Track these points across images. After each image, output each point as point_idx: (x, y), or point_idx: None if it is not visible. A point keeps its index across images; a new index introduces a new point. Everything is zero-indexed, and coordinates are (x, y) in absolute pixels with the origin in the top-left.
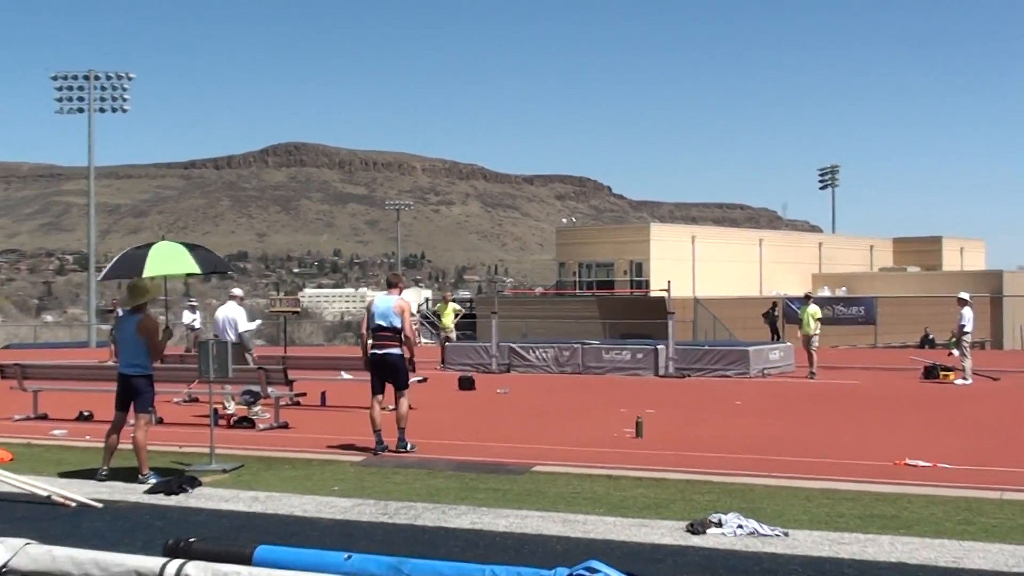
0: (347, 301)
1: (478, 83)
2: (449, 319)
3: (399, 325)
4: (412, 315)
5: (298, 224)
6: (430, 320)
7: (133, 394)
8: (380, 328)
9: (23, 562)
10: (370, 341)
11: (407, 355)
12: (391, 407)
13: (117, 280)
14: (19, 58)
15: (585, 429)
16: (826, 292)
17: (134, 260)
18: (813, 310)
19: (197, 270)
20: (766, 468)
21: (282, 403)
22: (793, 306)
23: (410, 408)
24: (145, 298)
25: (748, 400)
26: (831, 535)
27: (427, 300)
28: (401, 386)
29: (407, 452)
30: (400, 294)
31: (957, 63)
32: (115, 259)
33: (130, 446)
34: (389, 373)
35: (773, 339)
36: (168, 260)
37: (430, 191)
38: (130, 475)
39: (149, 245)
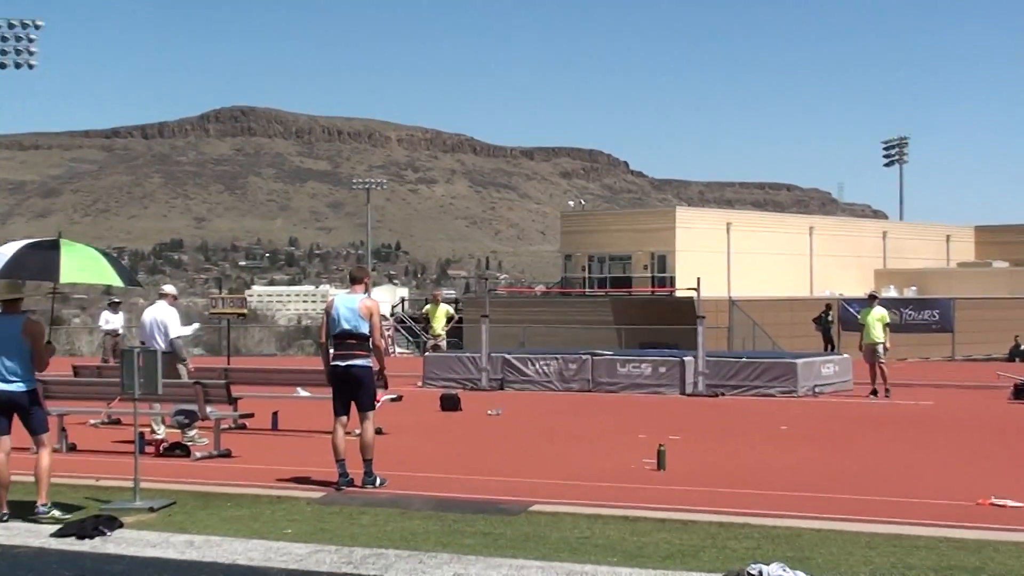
0: (305, 301)
1: (466, 35)
2: (440, 323)
3: (366, 330)
4: (384, 318)
5: (245, 207)
6: (408, 325)
7: (22, 415)
8: (343, 334)
9: None
10: (331, 351)
11: (376, 367)
12: (357, 432)
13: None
14: None
15: (595, 459)
16: (892, 292)
17: (45, 260)
18: (880, 314)
19: (119, 282)
20: (817, 508)
21: (224, 426)
22: (851, 309)
23: (379, 433)
24: (22, 293)
25: (795, 425)
26: None
27: (403, 301)
28: (366, 406)
29: (375, 487)
30: (367, 292)
31: None
32: (9, 256)
33: (30, 477)
34: (354, 389)
35: (827, 350)
36: (86, 264)
37: (407, 167)
38: (32, 512)
39: (55, 244)
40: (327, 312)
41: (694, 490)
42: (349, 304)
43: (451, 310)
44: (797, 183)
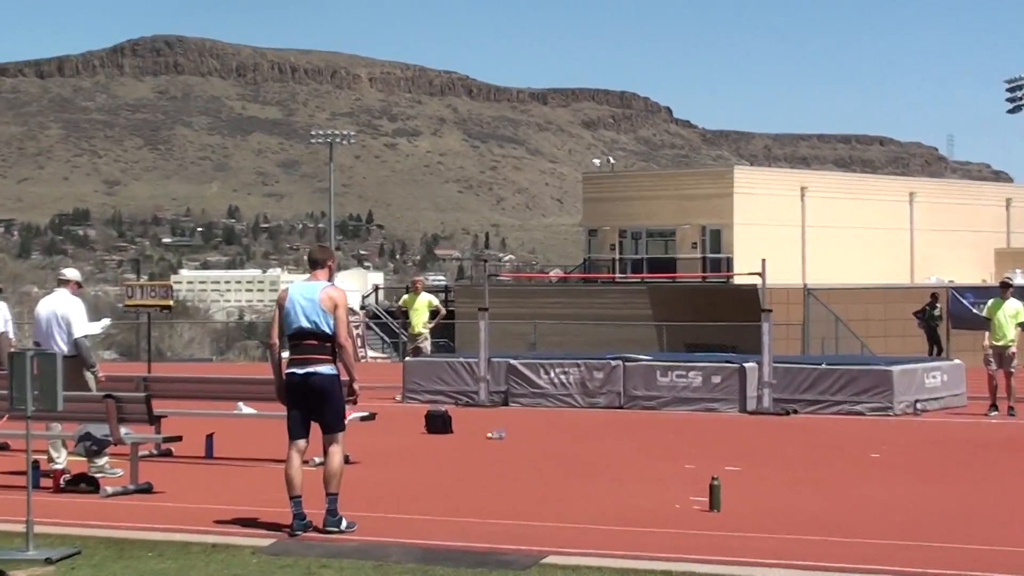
0: (250, 290)
1: None
2: (421, 318)
3: (329, 328)
4: (352, 312)
5: (171, 167)
6: (383, 322)
7: None
8: (300, 333)
9: None
10: (285, 354)
11: (344, 376)
12: (318, 460)
13: None
14: None
15: (628, 497)
16: (1019, 278)
17: None
18: (1016, 308)
19: None
20: (920, 560)
21: (143, 452)
22: (965, 300)
23: (347, 462)
24: None
25: (891, 452)
26: None
27: (376, 290)
28: (332, 426)
29: (341, 531)
30: (331, 279)
31: None
32: None
33: None
34: (315, 405)
35: (932, 353)
36: None
37: (382, 115)
38: None
39: None
40: (279, 304)
41: (757, 537)
42: (308, 294)
43: (435, 301)
44: (893, 135)
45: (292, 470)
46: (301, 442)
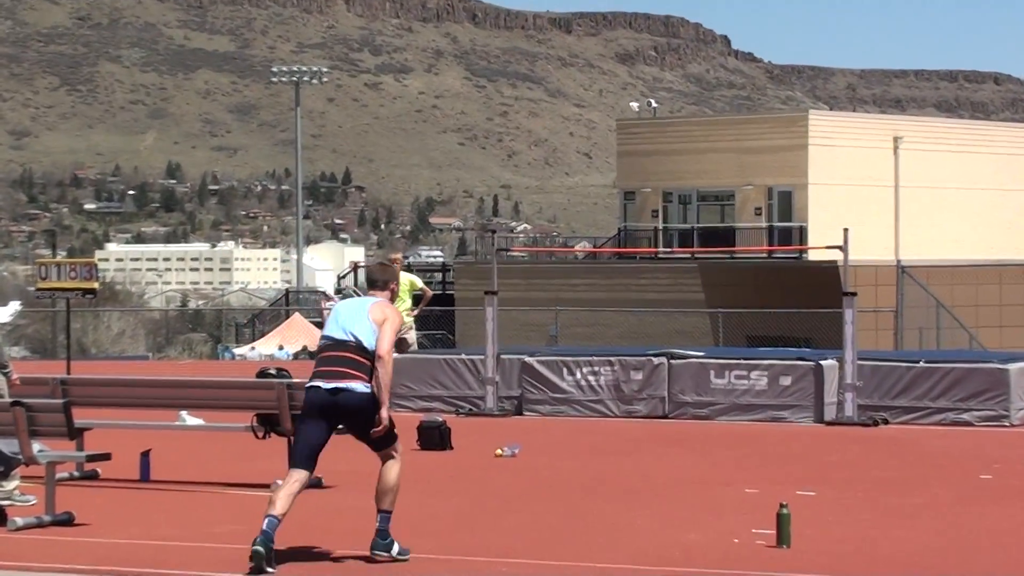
0: (195, 269)
1: None
2: (404, 304)
3: (371, 343)
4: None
5: (95, 113)
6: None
7: None
8: (335, 344)
9: None
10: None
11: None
12: (279, 482)
13: None
14: None
15: (674, 529)
16: None
17: None
18: None
19: None
20: None
21: (63, 474)
22: None
23: (321, 486)
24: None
25: (1007, 471)
26: None
27: (355, 268)
28: (383, 444)
29: (391, 558)
30: (391, 297)
31: None
32: None
33: None
34: (352, 425)
35: None
36: None
37: (362, 46)
38: None
39: None
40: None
41: None
42: (356, 305)
43: (419, 282)
44: (1011, 72)
45: (281, 495)
46: (303, 473)
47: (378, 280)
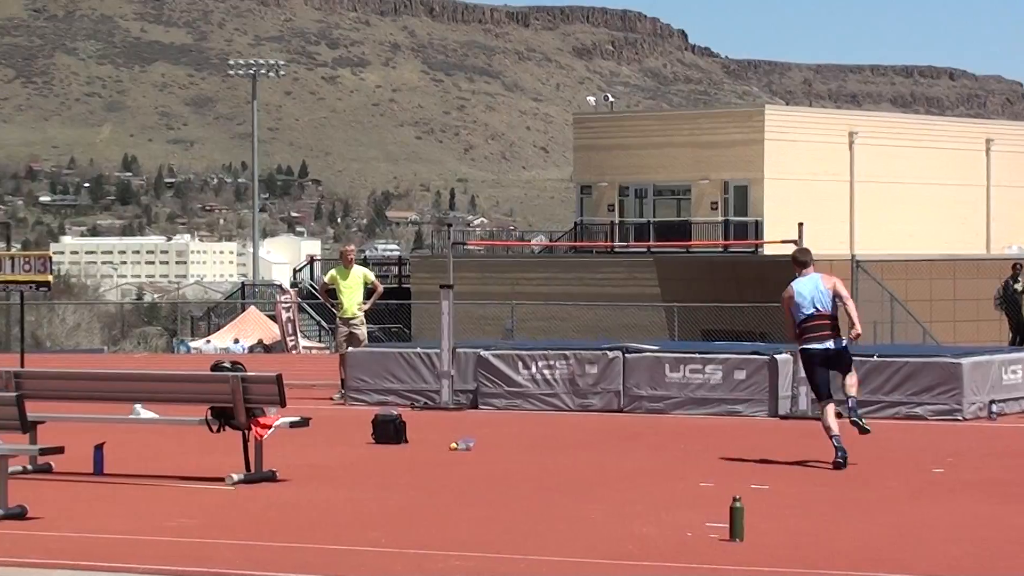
0: (151, 262)
1: None
2: (355, 298)
3: (831, 308)
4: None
5: (51, 105)
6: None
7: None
8: (815, 316)
9: None
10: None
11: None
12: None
13: None
14: None
15: (628, 523)
16: None
17: None
18: None
19: None
20: None
21: (15, 468)
22: None
23: (273, 479)
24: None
25: (958, 466)
26: None
27: (311, 262)
28: (849, 367)
29: (861, 425)
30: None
31: None
32: None
33: None
34: (835, 364)
35: (1016, 342)
36: None
37: (319, 39)
38: None
39: None
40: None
41: (791, 573)
42: (812, 284)
43: (371, 276)
44: (965, 67)
45: (831, 421)
46: (831, 403)
47: (805, 261)
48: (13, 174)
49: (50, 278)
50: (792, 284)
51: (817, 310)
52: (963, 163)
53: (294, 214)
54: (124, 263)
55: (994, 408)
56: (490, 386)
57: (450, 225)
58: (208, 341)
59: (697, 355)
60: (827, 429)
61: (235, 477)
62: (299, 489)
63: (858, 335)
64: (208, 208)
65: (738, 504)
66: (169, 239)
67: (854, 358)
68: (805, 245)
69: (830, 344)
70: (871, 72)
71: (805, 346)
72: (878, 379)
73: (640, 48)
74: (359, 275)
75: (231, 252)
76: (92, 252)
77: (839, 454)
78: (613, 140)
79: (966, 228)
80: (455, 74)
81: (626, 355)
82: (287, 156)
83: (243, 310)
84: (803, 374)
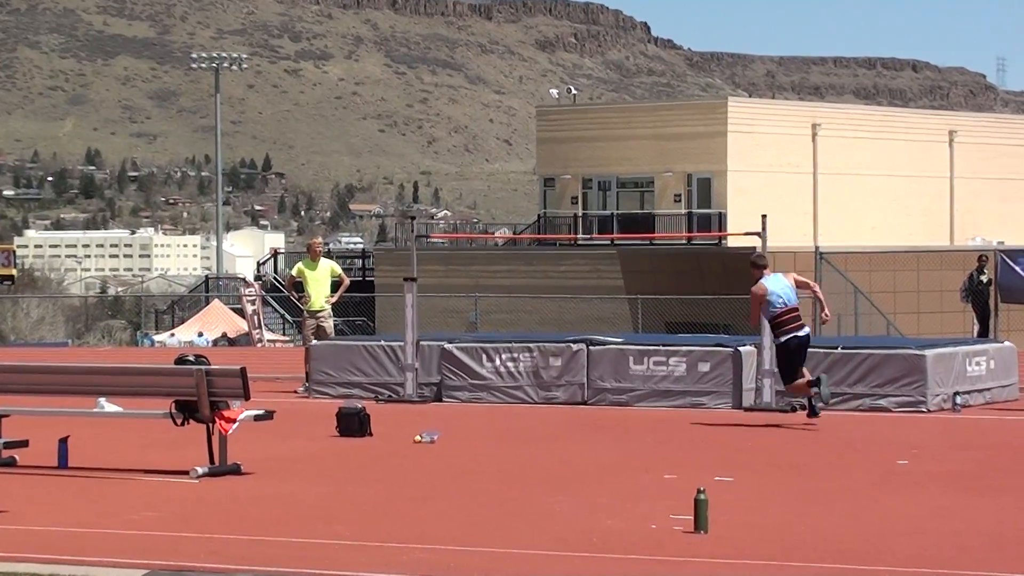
0: (115, 256)
1: None
2: (322, 291)
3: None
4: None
5: (13, 98)
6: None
7: None
8: (788, 309)
9: None
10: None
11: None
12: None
13: None
14: None
15: (593, 515)
16: None
17: None
18: None
19: None
20: None
21: None
22: (1019, 267)
23: (237, 472)
24: None
25: (922, 458)
26: None
27: (275, 255)
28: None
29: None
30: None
31: None
32: None
33: None
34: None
35: (980, 334)
36: None
37: (282, 32)
38: None
39: None
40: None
41: (753, 565)
42: (782, 282)
43: (338, 268)
44: (929, 59)
45: (805, 376)
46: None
47: (762, 265)
48: None
49: (14, 272)
50: (762, 282)
51: (787, 304)
52: (926, 155)
53: (258, 207)
54: (88, 256)
55: (958, 400)
56: (454, 379)
57: (413, 218)
58: (172, 335)
59: (661, 347)
60: (804, 385)
61: (200, 470)
62: (263, 482)
63: (828, 318)
64: (172, 201)
65: (702, 496)
66: (133, 232)
67: (818, 350)
68: (768, 237)
69: (807, 331)
70: (834, 64)
71: (787, 336)
72: (842, 371)
73: (603, 40)
74: (326, 268)
75: (195, 245)
76: (56, 246)
77: (818, 399)
78: (576, 132)
79: (929, 219)
80: (418, 67)
81: (590, 348)
82: (250, 149)
83: (207, 303)
84: (768, 366)
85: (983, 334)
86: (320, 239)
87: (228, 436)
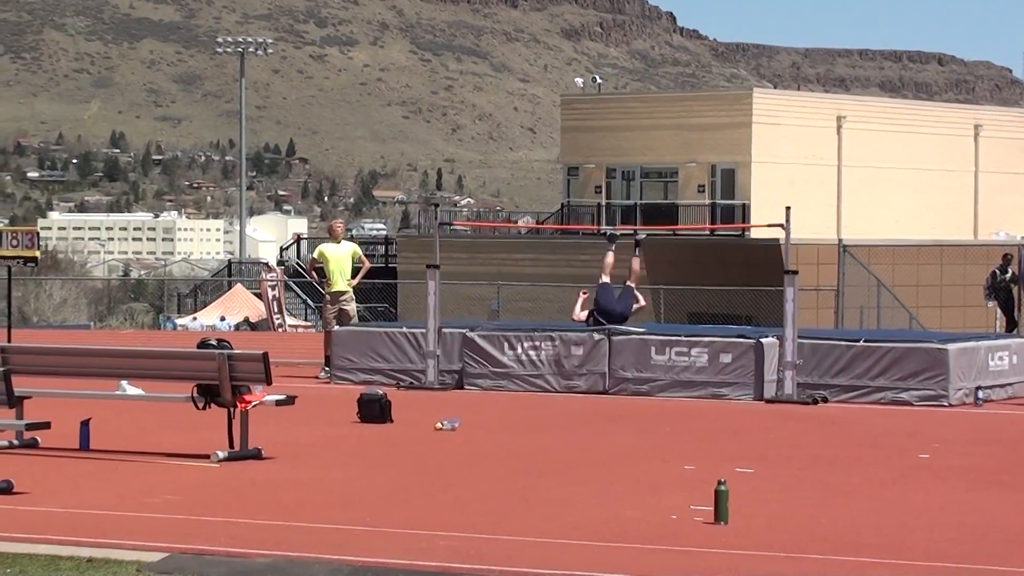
0: (138, 239)
1: None
2: (343, 275)
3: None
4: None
5: (39, 81)
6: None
7: None
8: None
9: None
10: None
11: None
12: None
13: None
14: None
15: (612, 504)
16: None
17: None
18: None
19: None
20: None
21: (2, 443)
22: None
23: (258, 457)
24: None
25: (944, 452)
26: None
27: (297, 240)
28: None
29: None
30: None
31: None
32: None
33: None
34: None
35: (1007, 329)
36: None
37: (308, 18)
38: None
39: None
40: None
41: (773, 557)
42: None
43: (360, 251)
44: (955, 53)
45: None
46: None
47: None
48: (1, 149)
49: (37, 254)
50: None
51: None
52: (951, 149)
53: (281, 192)
54: (111, 239)
55: (980, 394)
56: (476, 366)
57: (437, 205)
58: (194, 318)
59: (683, 338)
60: None
61: (220, 454)
62: (284, 467)
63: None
64: (195, 185)
65: (723, 487)
66: (156, 216)
67: (840, 343)
68: (792, 229)
69: None
70: (859, 56)
71: None
72: (864, 364)
73: (628, 30)
74: (348, 250)
75: (218, 230)
76: (79, 228)
77: None
78: (600, 122)
79: (953, 213)
80: (443, 54)
81: (612, 337)
82: (274, 134)
83: (229, 288)
84: (789, 358)
85: (1010, 328)
86: (341, 221)
87: (249, 420)
